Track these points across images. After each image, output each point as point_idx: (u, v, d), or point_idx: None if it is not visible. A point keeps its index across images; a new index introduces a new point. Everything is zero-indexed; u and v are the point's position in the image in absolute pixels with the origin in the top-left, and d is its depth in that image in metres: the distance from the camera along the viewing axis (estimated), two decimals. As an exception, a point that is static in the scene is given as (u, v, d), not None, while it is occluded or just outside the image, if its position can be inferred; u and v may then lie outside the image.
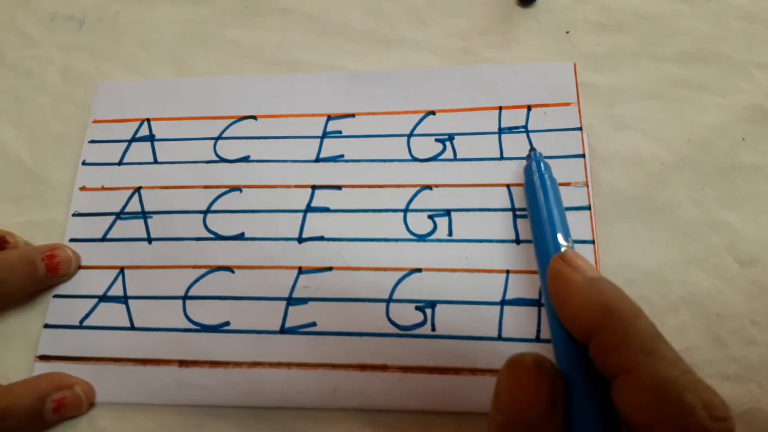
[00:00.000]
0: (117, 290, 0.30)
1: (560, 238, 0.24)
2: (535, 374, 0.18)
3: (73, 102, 0.35)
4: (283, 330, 0.28)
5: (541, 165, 0.27)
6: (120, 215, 0.31)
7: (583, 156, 0.30)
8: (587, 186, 0.29)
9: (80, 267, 0.31)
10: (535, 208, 0.25)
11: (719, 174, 0.30)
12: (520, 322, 0.27)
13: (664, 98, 0.32)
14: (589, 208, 0.29)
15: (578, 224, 0.29)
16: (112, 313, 0.30)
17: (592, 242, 0.28)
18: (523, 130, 0.31)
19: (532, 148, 0.28)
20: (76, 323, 0.30)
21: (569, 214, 0.29)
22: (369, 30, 0.35)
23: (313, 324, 0.28)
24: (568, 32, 0.34)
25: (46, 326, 0.30)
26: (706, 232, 0.29)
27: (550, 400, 0.17)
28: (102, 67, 0.36)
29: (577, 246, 0.28)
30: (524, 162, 0.30)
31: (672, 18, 0.34)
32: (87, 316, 0.30)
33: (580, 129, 0.31)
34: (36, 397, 0.27)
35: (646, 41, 0.33)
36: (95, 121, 0.34)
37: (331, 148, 0.32)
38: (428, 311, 0.28)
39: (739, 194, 0.30)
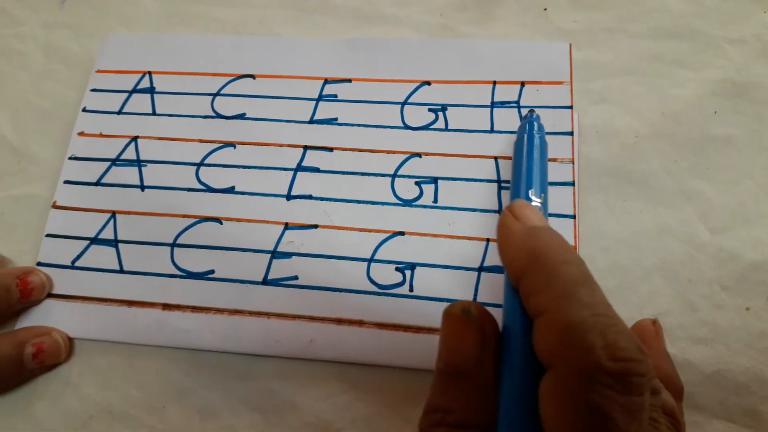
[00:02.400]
0: (108, 234, 0.31)
1: (531, 193, 0.24)
2: (461, 322, 0.18)
3: (55, 79, 0.36)
4: (266, 281, 0.29)
5: (535, 126, 0.28)
6: (115, 162, 0.32)
7: (571, 134, 0.31)
8: (573, 163, 0.30)
9: (49, 296, 0.30)
10: (518, 163, 0.26)
11: (692, 146, 0.31)
12: (496, 288, 0.28)
13: (639, 73, 0.33)
14: (573, 184, 0.30)
15: (562, 199, 0.29)
16: (102, 256, 0.30)
17: (573, 217, 0.29)
18: (515, 105, 0.32)
19: (531, 110, 0.28)
20: (68, 263, 0.30)
21: (553, 189, 0.29)
22: (350, 7, 0.36)
23: (295, 278, 0.29)
24: (545, 9, 0.35)
25: (39, 264, 0.31)
26: (679, 201, 0.30)
27: (478, 346, 0.18)
28: (84, 44, 0.37)
29: (558, 220, 0.29)
30: (513, 136, 0.30)
31: None
32: (78, 257, 0.31)
33: (571, 107, 0.31)
34: (15, 344, 0.28)
35: (622, 18, 0.34)
36: (98, 71, 0.35)
37: (325, 110, 0.33)
38: (408, 272, 0.29)
39: (710, 165, 0.30)
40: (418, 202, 0.30)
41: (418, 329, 0.28)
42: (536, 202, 0.24)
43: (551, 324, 0.16)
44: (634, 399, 0.15)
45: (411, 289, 0.28)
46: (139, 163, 0.32)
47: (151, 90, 0.34)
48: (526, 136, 0.27)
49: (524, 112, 0.31)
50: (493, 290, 0.28)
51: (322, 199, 0.31)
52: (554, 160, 0.30)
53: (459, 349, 0.18)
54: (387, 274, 0.29)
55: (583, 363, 0.15)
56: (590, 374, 0.14)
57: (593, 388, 0.14)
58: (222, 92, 0.33)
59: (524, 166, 0.25)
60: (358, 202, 0.30)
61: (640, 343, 0.15)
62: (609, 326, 0.15)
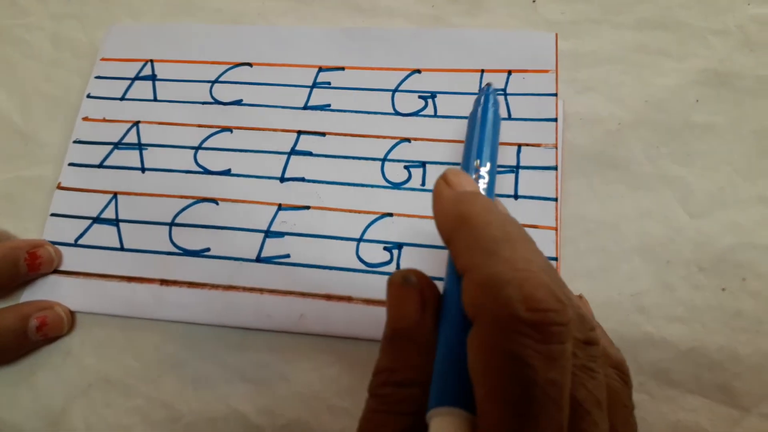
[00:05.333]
0: (110, 213, 0.32)
1: (476, 164, 0.24)
2: (401, 288, 0.19)
3: (63, 67, 0.37)
4: (259, 259, 0.30)
5: (490, 99, 0.28)
6: (118, 145, 0.34)
7: (555, 120, 0.32)
8: (556, 148, 0.31)
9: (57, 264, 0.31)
10: (469, 135, 0.26)
11: (673, 132, 0.32)
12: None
13: (624, 62, 0.34)
14: (555, 168, 0.31)
15: (545, 183, 0.30)
16: (104, 234, 0.32)
17: (555, 200, 0.30)
18: (502, 92, 0.33)
19: (488, 84, 0.29)
20: (71, 241, 0.32)
21: (537, 173, 0.30)
22: None
23: (287, 256, 0.30)
24: (534, 1, 0.36)
25: (43, 242, 0.32)
26: (659, 186, 0.31)
27: (418, 309, 0.19)
28: (90, 34, 0.38)
29: (542, 202, 0.30)
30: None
31: None
32: (81, 235, 0.32)
33: (555, 95, 0.32)
34: (19, 317, 0.29)
35: (608, 9, 0.35)
36: (103, 59, 0.36)
37: (319, 97, 0.34)
38: (395, 252, 0.30)
39: (691, 151, 0.31)
40: (406, 185, 0.31)
41: (404, 305, 0.29)
42: (483, 171, 0.24)
43: (473, 280, 0.17)
44: (552, 347, 0.15)
45: (398, 268, 0.30)
46: (140, 146, 0.34)
47: (152, 77, 0.35)
48: (480, 109, 0.27)
49: (510, 99, 0.32)
50: (476, 269, 0.29)
51: (314, 181, 0.32)
52: (538, 145, 0.31)
53: (400, 314, 0.19)
54: (375, 253, 0.30)
55: (501, 315, 0.15)
56: (508, 324, 0.15)
57: (512, 337, 0.15)
58: (220, 79, 0.35)
59: (475, 138, 0.26)
60: (349, 184, 0.32)
61: (560, 295, 0.16)
62: (527, 279, 0.16)
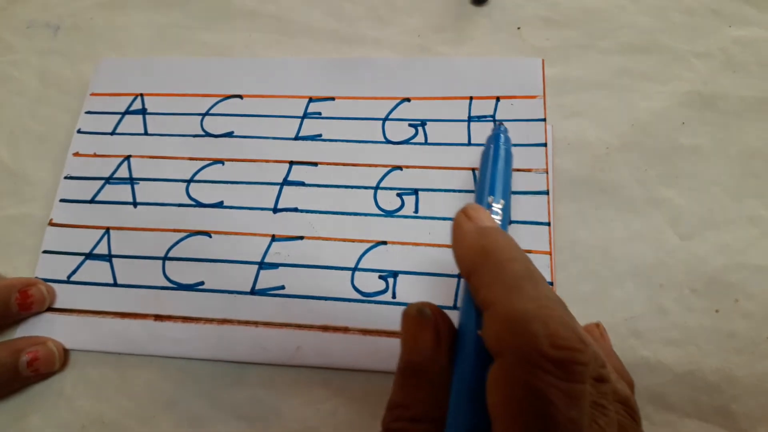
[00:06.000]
0: (102, 249, 0.32)
1: (490, 200, 0.25)
2: (416, 321, 0.20)
3: (50, 103, 0.37)
4: (254, 291, 0.30)
5: (501, 138, 0.29)
6: (109, 180, 0.34)
7: (545, 145, 0.32)
8: (547, 173, 0.31)
9: (50, 299, 0.31)
10: (483, 171, 0.27)
11: (661, 155, 0.32)
12: (475, 294, 0.29)
13: (609, 87, 0.34)
14: (547, 192, 0.31)
15: (537, 207, 0.31)
16: (96, 270, 0.32)
17: (548, 224, 0.30)
18: (491, 119, 0.33)
19: (501, 122, 0.29)
20: (64, 278, 0.32)
21: (529, 198, 0.31)
22: (330, 29, 0.38)
23: (282, 287, 0.30)
24: (519, 28, 0.36)
25: (35, 279, 0.32)
26: (649, 209, 0.31)
27: (433, 343, 0.19)
28: (77, 70, 0.38)
29: (534, 227, 0.30)
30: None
31: (616, 12, 0.37)
32: (74, 272, 0.32)
33: (544, 120, 0.32)
34: (10, 352, 0.29)
35: (592, 35, 0.36)
36: (93, 94, 0.36)
37: (310, 127, 0.34)
38: (390, 280, 0.30)
39: (679, 173, 0.32)
40: (399, 213, 0.31)
41: (400, 335, 0.29)
42: (496, 207, 0.25)
43: (498, 315, 0.17)
44: (575, 386, 0.15)
45: (394, 296, 0.30)
46: (131, 180, 0.33)
47: (143, 111, 0.35)
48: (492, 146, 0.28)
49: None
50: (471, 296, 0.29)
51: (307, 211, 0.32)
52: (529, 170, 0.31)
53: (415, 347, 0.19)
54: (370, 282, 0.30)
55: (526, 350, 0.15)
56: (533, 360, 0.15)
57: (535, 373, 0.15)
58: (211, 112, 0.35)
59: (488, 175, 0.27)
60: (342, 213, 0.32)
61: (582, 335, 0.16)
62: (551, 317, 0.16)
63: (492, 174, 0.26)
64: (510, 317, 0.16)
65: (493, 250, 0.19)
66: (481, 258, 0.19)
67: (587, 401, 0.16)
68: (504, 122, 0.33)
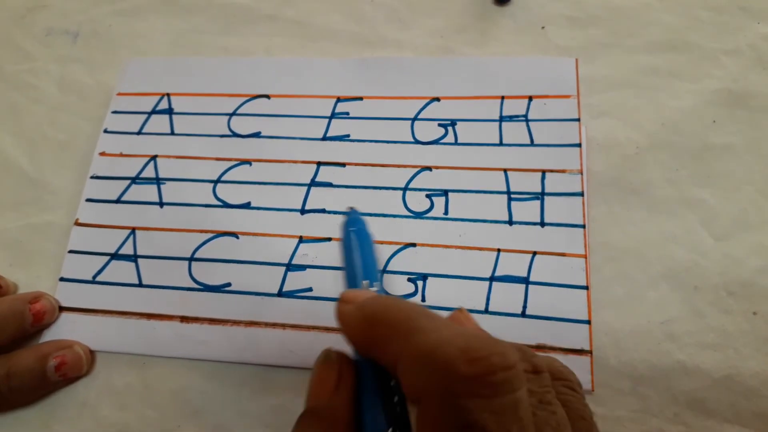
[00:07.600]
0: (128, 249, 0.32)
1: (365, 283, 0.23)
2: (320, 366, 0.19)
3: (70, 111, 0.37)
4: (281, 293, 0.30)
5: (360, 221, 0.26)
6: (135, 180, 0.33)
7: (579, 145, 0.31)
8: (581, 174, 0.31)
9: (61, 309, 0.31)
10: (345, 259, 0.25)
11: (692, 155, 0.32)
12: (507, 297, 0.29)
13: (637, 86, 0.34)
14: (581, 194, 0.30)
15: (571, 209, 0.30)
16: (122, 271, 0.31)
17: (583, 226, 0.30)
18: (524, 119, 0.32)
19: (350, 207, 0.26)
20: (89, 278, 0.31)
21: (563, 200, 0.30)
22: (351, 32, 0.37)
23: (309, 289, 0.30)
24: (543, 27, 0.36)
25: (62, 280, 0.31)
26: (682, 209, 0.30)
27: (332, 387, 0.19)
28: (96, 77, 0.38)
29: (569, 229, 0.30)
30: (521, 149, 0.31)
31: (642, 10, 0.36)
32: (99, 272, 0.31)
33: (578, 120, 0.32)
34: (38, 357, 0.29)
35: (617, 33, 0.35)
36: (119, 94, 0.36)
37: (338, 128, 0.34)
38: (420, 283, 0.29)
39: (711, 173, 0.31)
40: (429, 215, 0.31)
41: (432, 338, 0.28)
42: (372, 290, 0.23)
43: (407, 360, 0.16)
44: (503, 399, 0.14)
45: (423, 299, 0.29)
46: (158, 181, 0.33)
47: (169, 111, 0.35)
48: (352, 232, 0.25)
49: (532, 125, 0.32)
50: (504, 300, 0.29)
51: (335, 212, 0.31)
52: (563, 171, 0.31)
53: (314, 391, 0.19)
54: (399, 285, 0.30)
55: (445, 382, 0.14)
56: (455, 390, 0.14)
57: (461, 404, 0.14)
58: (238, 112, 0.35)
59: (356, 261, 0.24)
60: (371, 215, 0.31)
61: (495, 338, 0.15)
62: (457, 335, 0.15)
63: (363, 259, 0.24)
64: (418, 354, 0.15)
65: (378, 312, 0.18)
66: (370, 328, 0.18)
67: (526, 408, 0.15)
68: (537, 121, 0.32)
